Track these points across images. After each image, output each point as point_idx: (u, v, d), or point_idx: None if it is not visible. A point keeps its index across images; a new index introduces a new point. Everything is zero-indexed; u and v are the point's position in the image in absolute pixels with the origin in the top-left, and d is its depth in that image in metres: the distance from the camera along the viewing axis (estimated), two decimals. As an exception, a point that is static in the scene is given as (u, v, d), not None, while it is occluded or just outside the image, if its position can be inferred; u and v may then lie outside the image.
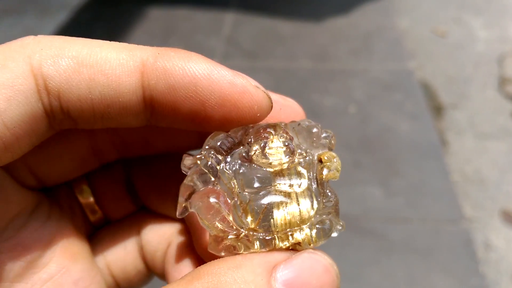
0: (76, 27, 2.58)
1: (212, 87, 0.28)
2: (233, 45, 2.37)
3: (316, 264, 0.27)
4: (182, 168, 0.31)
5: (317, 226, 0.29)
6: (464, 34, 2.50)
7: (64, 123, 0.28)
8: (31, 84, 0.26)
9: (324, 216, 0.30)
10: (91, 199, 0.36)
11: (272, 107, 0.31)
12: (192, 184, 0.30)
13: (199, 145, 0.36)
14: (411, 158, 1.70)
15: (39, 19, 2.65)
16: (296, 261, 0.26)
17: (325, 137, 0.32)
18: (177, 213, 0.31)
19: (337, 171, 0.31)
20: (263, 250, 0.29)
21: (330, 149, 0.32)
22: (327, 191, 0.30)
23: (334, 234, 0.30)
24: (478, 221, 1.50)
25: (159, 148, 0.37)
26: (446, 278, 1.32)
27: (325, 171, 0.30)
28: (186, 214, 0.30)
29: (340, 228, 0.30)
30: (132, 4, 2.79)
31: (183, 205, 0.30)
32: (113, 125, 0.30)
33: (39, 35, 0.28)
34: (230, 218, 0.29)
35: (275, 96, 0.32)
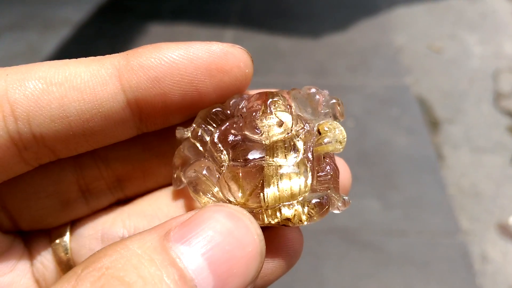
0: (79, 43, 2.61)
1: (194, 63, 0.27)
2: (233, 61, 2.40)
3: (218, 213, 0.23)
4: (177, 140, 0.30)
5: (311, 203, 0.26)
6: (460, 50, 2.54)
7: (41, 155, 0.26)
8: None
9: (321, 192, 0.27)
10: (66, 257, 0.31)
11: (252, 60, 0.29)
12: (183, 155, 0.29)
13: None
14: (408, 172, 1.72)
15: (41, 35, 2.68)
16: (194, 217, 0.23)
17: (327, 106, 0.29)
18: (173, 185, 0.29)
19: (340, 143, 0.28)
20: None
21: (337, 118, 0.30)
22: (324, 165, 0.28)
23: (335, 211, 0.27)
24: (474, 234, 1.51)
25: (161, 178, 0.33)
26: (443, 291, 1.32)
27: (323, 143, 0.28)
28: (180, 185, 0.29)
29: (341, 204, 0.27)
30: (134, 20, 2.83)
31: (175, 176, 0.29)
32: (100, 142, 0.27)
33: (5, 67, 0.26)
34: (218, 192, 0.27)
35: (222, 45, 0.29)
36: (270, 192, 0.26)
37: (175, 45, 0.27)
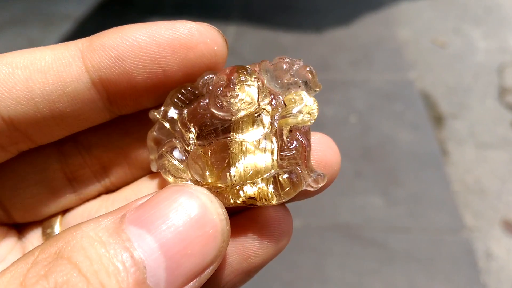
0: (79, 38, 2.59)
1: (156, 40, 0.27)
2: (235, 56, 2.39)
3: (174, 193, 0.23)
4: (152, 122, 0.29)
5: (276, 180, 0.25)
6: (464, 45, 2.52)
7: (16, 139, 0.27)
8: None
9: (288, 168, 0.26)
10: None
11: (226, 41, 0.28)
12: (155, 136, 0.29)
13: None
14: (411, 168, 1.70)
15: (43, 30, 2.67)
16: (152, 198, 0.23)
17: (301, 75, 0.28)
18: (151, 168, 0.29)
19: (309, 114, 0.26)
20: None
21: (311, 89, 0.28)
22: (289, 139, 0.26)
23: (309, 189, 0.26)
24: (479, 231, 1.50)
25: (145, 164, 0.33)
26: (447, 288, 1.32)
27: (288, 116, 0.26)
28: (156, 168, 0.28)
29: (311, 181, 0.26)
30: (135, 15, 2.82)
31: (150, 158, 0.29)
32: (73, 126, 0.28)
33: None
34: (184, 171, 0.27)
35: (189, 23, 0.28)
36: (235, 171, 0.26)
37: (138, 25, 0.27)
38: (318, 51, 2.46)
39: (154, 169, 0.29)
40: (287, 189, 0.25)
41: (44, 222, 0.32)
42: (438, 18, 2.80)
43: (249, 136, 0.26)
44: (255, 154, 0.26)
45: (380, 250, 1.41)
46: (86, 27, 2.72)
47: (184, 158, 0.27)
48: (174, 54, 0.27)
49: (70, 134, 0.29)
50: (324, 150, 0.28)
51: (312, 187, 0.26)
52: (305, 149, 0.26)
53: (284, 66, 0.28)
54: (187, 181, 0.27)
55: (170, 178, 0.27)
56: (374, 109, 2.00)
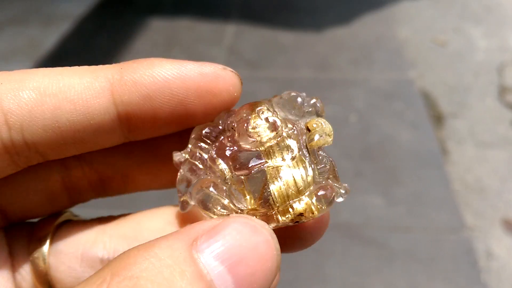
0: (79, 37, 2.60)
1: (185, 84, 0.28)
2: (235, 55, 2.39)
3: (243, 227, 0.24)
4: (174, 165, 0.30)
5: (317, 193, 0.27)
6: (464, 44, 2.52)
7: (31, 159, 0.27)
8: None
9: (324, 182, 0.28)
10: (44, 269, 0.31)
11: (242, 82, 0.30)
12: (185, 177, 0.30)
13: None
14: (411, 167, 1.70)
15: (42, 29, 2.67)
16: (220, 227, 0.23)
17: (309, 105, 0.31)
18: (180, 209, 0.30)
19: (328, 136, 0.29)
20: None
21: (320, 115, 0.32)
22: (320, 157, 0.29)
23: (339, 200, 0.29)
24: (479, 230, 1.50)
25: (140, 185, 0.34)
26: (447, 287, 1.31)
27: (315, 138, 0.29)
28: (188, 208, 0.30)
29: (343, 192, 0.29)
30: (135, 14, 2.82)
31: (182, 199, 0.30)
32: (88, 148, 0.29)
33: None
34: (229, 203, 0.28)
35: (215, 67, 0.30)
36: (277, 192, 0.28)
37: (169, 63, 0.28)
38: (318, 50, 2.46)
39: (184, 209, 0.30)
40: (327, 201, 0.27)
41: (32, 240, 0.32)
42: (438, 17, 2.80)
43: (282, 160, 0.28)
44: (292, 174, 0.28)
45: (381, 249, 1.41)
46: (85, 26, 2.72)
47: (223, 190, 0.28)
48: (200, 99, 0.28)
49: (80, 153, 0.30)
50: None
51: (342, 197, 0.29)
52: (333, 164, 0.29)
53: (299, 99, 0.31)
54: (229, 211, 0.28)
55: (216, 212, 0.28)
56: (374, 108, 2.00)
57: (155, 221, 0.31)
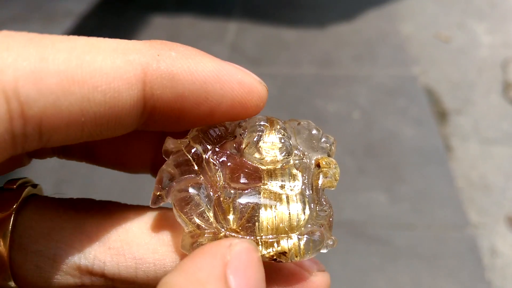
0: (81, 34, 2.55)
1: (223, 90, 0.25)
2: (237, 52, 2.38)
3: (251, 253, 0.23)
4: (163, 151, 0.27)
5: (306, 236, 0.25)
6: (468, 39, 2.50)
7: (32, 146, 0.22)
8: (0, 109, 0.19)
9: (316, 227, 0.26)
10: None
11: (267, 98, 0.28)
12: (171, 171, 0.26)
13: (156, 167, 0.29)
14: (415, 164, 1.69)
15: (44, 27, 2.67)
16: (235, 262, 0.22)
17: (325, 142, 0.29)
18: (150, 202, 0.26)
19: (335, 179, 0.27)
20: None
21: (329, 156, 0.29)
22: (322, 199, 0.27)
23: (323, 250, 0.26)
24: (483, 227, 1.49)
25: (103, 161, 0.30)
26: (451, 285, 1.31)
27: (321, 178, 0.27)
28: (160, 204, 0.26)
29: (331, 243, 0.26)
30: (137, 11, 2.81)
31: (157, 193, 0.26)
32: (96, 139, 0.24)
33: (3, 31, 0.21)
34: (211, 214, 0.25)
35: (253, 78, 0.27)
36: (266, 221, 0.25)
37: (209, 60, 0.25)
38: (321, 46, 2.45)
39: (154, 204, 0.27)
40: (314, 248, 0.25)
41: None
42: (442, 12, 2.78)
43: (282, 190, 0.26)
44: (289, 208, 0.26)
45: (384, 246, 1.41)
46: (87, 24, 2.71)
47: (208, 199, 0.26)
48: (230, 109, 0.26)
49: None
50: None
51: (327, 248, 0.26)
52: (332, 212, 0.27)
53: (315, 131, 0.29)
54: (205, 223, 0.25)
55: (190, 220, 0.25)
56: (377, 105, 1.99)
57: (146, 236, 0.27)
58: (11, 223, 0.25)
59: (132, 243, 0.26)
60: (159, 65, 0.23)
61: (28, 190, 0.27)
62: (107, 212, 0.27)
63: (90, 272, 0.26)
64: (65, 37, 0.22)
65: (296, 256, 0.25)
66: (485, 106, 2.03)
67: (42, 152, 0.29)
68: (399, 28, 2.59)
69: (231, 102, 0.25)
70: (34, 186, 0.29)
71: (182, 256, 0.26)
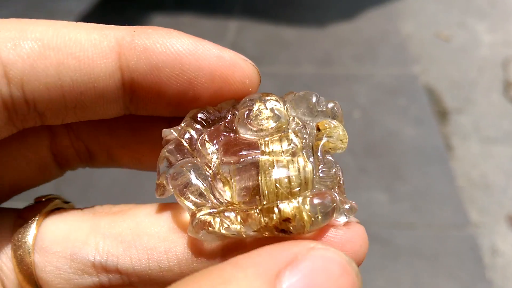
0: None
1: (199, 62, 0.25)
2: (238, 51, 2.35)
3: (331, 264, 0.21)
4: (163, 143, 0.27)
5: (312, 200, 0.23)
6: (468, 38, 2.50)
7: (28, 119, 0.25)
8: None
9: (323, 189, 0.24)
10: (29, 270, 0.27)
11: (260, 80, 0.28)
12: (168, 157, 0.26)
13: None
14: (416, 163, 1.69)
15: (44, 26, 2.67)
16: (305, 264, 0.20)
17: (328, 107, 0.28)
18: (156, 193, 0.27)
19: (341, 141, 0.25)
20: (244, 230, 0.23)
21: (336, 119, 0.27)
22: (326, 160, 0.25)
23: (341, 219, 0.24)
24: (484, 227, 1.49)
25: (124, 164, 0.32)
26: (452, 284, 1.31)
27: (323, 138, 0.25)
28: (164, 192, 0.26)
29: (348, 207, 0.24)
30: (138, 11, 2.81)
31: (158, 182, 0.26)
32: (87, 116, 0.26)
33: None
34: (207, 191, 0.25)
35: (235, 54, 0.27)
36: (267, 189, 0.24)
37: (187, 37, 0.26)
38: (321, 45, 2.45)
39: (159, 194, 0.27)
40: (324, 212, 0.23)
41: (15, 236, 0.28)
42: (442, 11, 2.77)
43: (281, 153, 0.25)
44: (289, 171, 0.24)
45: (385, 246, 1.40)
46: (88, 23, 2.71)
47: (205, 177, 0.25)
48: (210, 83, 0.26)
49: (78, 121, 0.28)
50: (358, 241, 0.26)
51: (346, 216, 0.24)
52: (340, 175, 0.25)
53: (314, 98, 0.27)
54: (206, 202, 0.25)
55: (189, 201, 0.25)
56: (378, 104, 1.99)
57: (156, 226, 0.27)
58: (34, 228, 0.27)
59: (142, 234, 0.26)
60: (133, 38, 0.25)
61: (55, 203, 0.30)
62: (121, 211, 0.28)
63: (104, 269, 0.26)
64: (48, 20, 0.25)
65: (303, 222, 0.23)
66: (486, 105, 2.03)
67: (72, 162, 0.31)
68: (399, 27, 2.59)
69: (210, 75, 0.26)
70: (66, 202, 0.31)
71: (191, 242, 0.26)
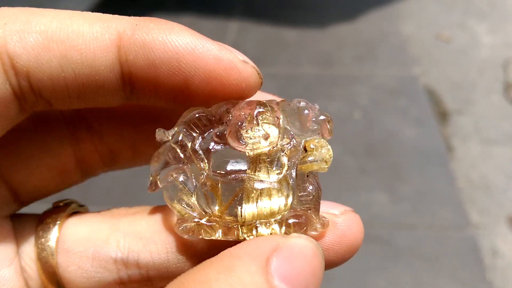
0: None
1: (196, 62, 0.26)
2: (238, 52, 2.38)
3: (305, 249, 0.24)
4: (157, 142, 0.28)
5: (288, 221, 0.26)
6: (469, 40, 2.50)
7: (37, 105, 0.26)
8: None
9: (300, 211, 0.26)
10: (52, 270, 0.29)
11: (261, 83, 0.28)
12: (161, 159, 0.28)
13: None
14: (416, 164, 1.69)
15: (45, 27, 2.67)
16: (286, 249, 0.23)
17: (319, 121, 0.28)
18: (148, 188, 0.28)
19: (325, 162, 0.27)
20: (224, 239, 0.26)
21: (326, 135, 0.29)
22: (307, 184, 0.26)
23: (313, 233, 0.26)
24: (484, 228, 1.49)
25: (149, 158, 0.33)
26: (452, 285, 1.31)
27: (308, 161, 0.26)
28: (156, 190, 0.28)
29: (319, 226, 0.26)
30: (138, 11, 2.81)
31: (150, 179, 0.28)
32: (90, 104, 0.27)
33: (3, 7, 0.25)
34: (193, 201, 0.26)
35: (234, 56, 0.27)
36: (248, 208, 0.26)
37: (188, 35, 0.26)
38: (321, 46, 2.45)
39: (151, 190, 0.28)
40: (299, 231, 0.26)
41: (38, 237, 0.29)
42: (443, 13, 2.78)
43: (266, 176, 0.26)
44: (271, 194, 0.26)
45: (385, 246, 1.40)
46: (88, 24, 2.71)
47: (193, 186, 0.27)
48: (206, 84, 0.26)
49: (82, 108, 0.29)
50: (354, 230, 0.29)
51: (317, 231, 0.26)
52: (319, 195, 0.27)
53: (306, 111, 0.28)
54: (193, 210, 0.26)
55: (178, 207, 0.26)
56: (378, 105, 1.99)
57: (173, 222, 0.29)
58: (56, 231, 0.29)
59: (162, 230, 0.28)
60: (134, 32, 0.25)
61: (73, 207, 0.31)
62: (139, 211, 0.30)
63: (125, 264, 0.28)
64: (54, 9, 0.26)
65: None
66: (486, 106, 2.03)
67: (95, 167, 0.33)
68: (399, 28, 2.59)
69: (206, 77, 0.26)
70: (81, 206, 0.33)
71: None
